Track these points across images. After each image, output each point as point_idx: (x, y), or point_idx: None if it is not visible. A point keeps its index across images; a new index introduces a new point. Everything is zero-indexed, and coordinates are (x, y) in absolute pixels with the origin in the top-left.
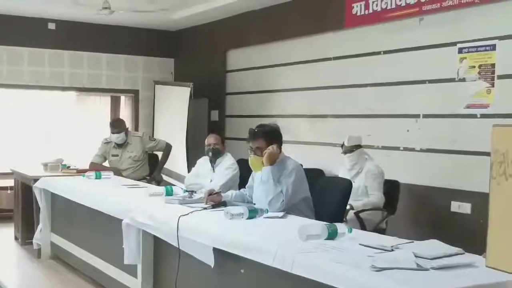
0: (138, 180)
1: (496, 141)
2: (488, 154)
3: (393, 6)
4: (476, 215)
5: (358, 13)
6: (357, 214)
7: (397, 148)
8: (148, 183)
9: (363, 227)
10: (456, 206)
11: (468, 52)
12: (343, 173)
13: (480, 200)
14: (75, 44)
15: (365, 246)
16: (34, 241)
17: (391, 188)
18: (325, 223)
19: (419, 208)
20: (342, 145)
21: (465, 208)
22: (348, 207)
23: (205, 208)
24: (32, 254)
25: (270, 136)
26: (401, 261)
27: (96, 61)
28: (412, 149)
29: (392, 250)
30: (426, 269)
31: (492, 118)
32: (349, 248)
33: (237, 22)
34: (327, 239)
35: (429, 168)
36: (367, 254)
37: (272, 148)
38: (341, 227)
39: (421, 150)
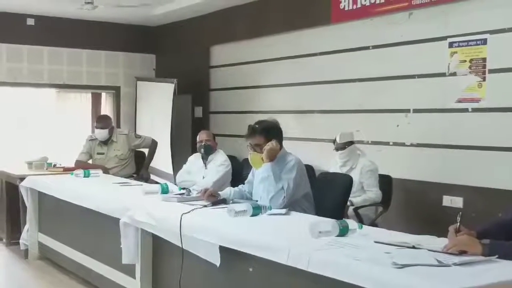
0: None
1: None
2: (479, 148)
3: (382, 0)
4: (468, 209)
5: (346, 8)
6: (356, 210)
7: (387, 143)
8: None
9: (361, 223)
10: (448, 200)
11: (459, 46)
12: (334, 169)
13: (471, 194)
14: (55, 40)
15: (381, 243)
16: (21, 241)
17: (383, 183)
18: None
19: (411, 202)
20: (334, 142)
21: (457, 202)
22: (348, 203)
23: (205, 206)
24: (19, 255)
25: (269, 132)
26: (420, 257)
27: (76, 57)
28: (402, 144)
29: (414, 247)
30: (448, 265)
31: (483, 112)
32: (363, 244)
33: (221, 17)
34: (338, 235)
35: (420, 163)
36: (384, 251)
37: (271, 144)
38: (351, 223)
39: (412, 145)
